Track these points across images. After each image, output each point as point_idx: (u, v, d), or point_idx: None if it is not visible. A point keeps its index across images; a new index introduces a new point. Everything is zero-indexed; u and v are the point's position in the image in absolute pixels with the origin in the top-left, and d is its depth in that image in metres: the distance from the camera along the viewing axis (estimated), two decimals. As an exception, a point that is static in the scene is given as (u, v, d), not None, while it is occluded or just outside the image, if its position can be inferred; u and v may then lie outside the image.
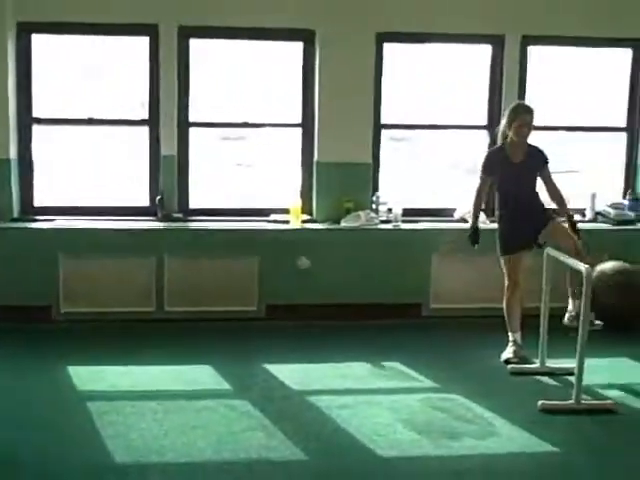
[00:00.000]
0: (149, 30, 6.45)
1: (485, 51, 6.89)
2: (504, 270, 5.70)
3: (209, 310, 6.42)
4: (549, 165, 5.69)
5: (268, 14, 6.43)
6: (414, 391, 5.13)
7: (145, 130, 6.64)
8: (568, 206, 5.85)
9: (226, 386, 5.18)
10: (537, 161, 5.67)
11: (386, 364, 5.59)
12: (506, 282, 5.69)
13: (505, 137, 5.65)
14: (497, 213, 5.78)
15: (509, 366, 5.53)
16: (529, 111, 5.56)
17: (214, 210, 6.79)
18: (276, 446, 4.27)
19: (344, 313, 6.46)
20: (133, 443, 4.26)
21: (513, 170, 5.62)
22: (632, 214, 6.97)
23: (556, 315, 5.52)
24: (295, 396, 5.01)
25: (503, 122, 5.66)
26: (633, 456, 4.31)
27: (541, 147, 5.71)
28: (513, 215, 5.64)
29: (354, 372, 5.42)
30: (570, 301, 5.72)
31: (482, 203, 5.85)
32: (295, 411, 4.78)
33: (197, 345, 5.94)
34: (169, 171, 6.61)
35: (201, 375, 5.33)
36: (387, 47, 6.72)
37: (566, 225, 5.65)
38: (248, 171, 7.22)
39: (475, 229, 5.75)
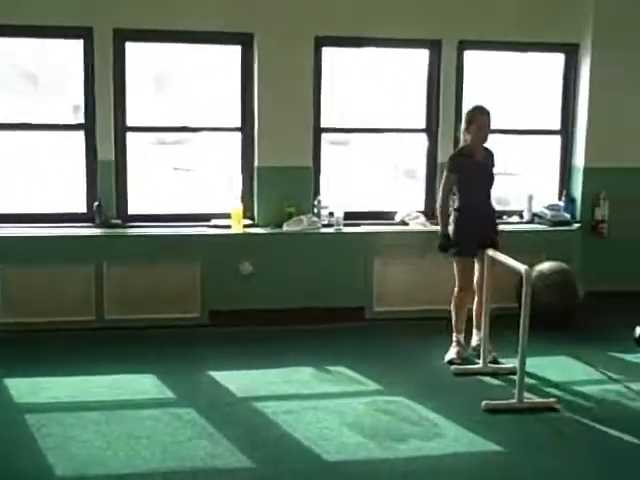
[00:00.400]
0: (83, 33, 6.33)
1: (423, 55, 6.96)
2: (455, 272, 5.70)
3: (151, 317, 6.32)
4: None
5: (206, 17, 6.39)
6: (359, 395, 5.13)
7: (81, 135, 6.50)
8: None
9: (170, 394, 5.09)
10: (491, 162, 5.78)
11: (331, 368, 5.58)
12: (457, 285, 5.70)
13: (465, 140, 5.72)
14: (454, 213, 5.72)
15: (452, 367, 5.58)
16: (486, 113, 5.63)
17: (154, 216, 6.69)
18: (222, 454, 4.24)
19: (288, 318, 6.43)
20: (75, 455, 4.18)
21: (477, 168, 5.68)
22: (568, 215, 7.13)
23: (500, 315, 5.62)
24: (240, 403, 4.96)
25: (462, 126, 5.73)
26: (576, 453, 4.39)
27: (492, 149, 5.81)
28: (470, 216, 5.64)
29: (299, 377, 5.40)
30: (474, 332, 5.82)
31: (449, 207, 5.72)
32: (240, 418, 4.74)
33: (139, 354, 5.83)
34: (107, 176, 6.49)
35: (144, 384, 5.23)
36: (326, 51, 6.72)
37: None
38: (187, 176, 7.15)
39: (446, 235, 5.69)
